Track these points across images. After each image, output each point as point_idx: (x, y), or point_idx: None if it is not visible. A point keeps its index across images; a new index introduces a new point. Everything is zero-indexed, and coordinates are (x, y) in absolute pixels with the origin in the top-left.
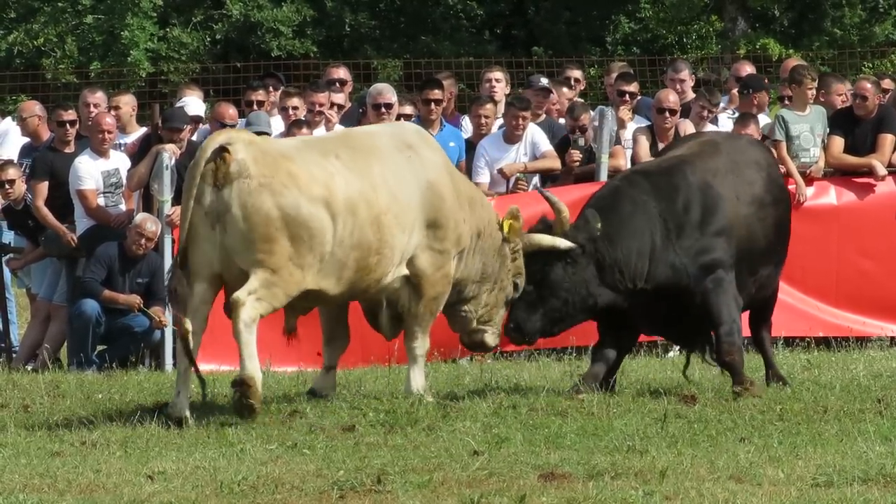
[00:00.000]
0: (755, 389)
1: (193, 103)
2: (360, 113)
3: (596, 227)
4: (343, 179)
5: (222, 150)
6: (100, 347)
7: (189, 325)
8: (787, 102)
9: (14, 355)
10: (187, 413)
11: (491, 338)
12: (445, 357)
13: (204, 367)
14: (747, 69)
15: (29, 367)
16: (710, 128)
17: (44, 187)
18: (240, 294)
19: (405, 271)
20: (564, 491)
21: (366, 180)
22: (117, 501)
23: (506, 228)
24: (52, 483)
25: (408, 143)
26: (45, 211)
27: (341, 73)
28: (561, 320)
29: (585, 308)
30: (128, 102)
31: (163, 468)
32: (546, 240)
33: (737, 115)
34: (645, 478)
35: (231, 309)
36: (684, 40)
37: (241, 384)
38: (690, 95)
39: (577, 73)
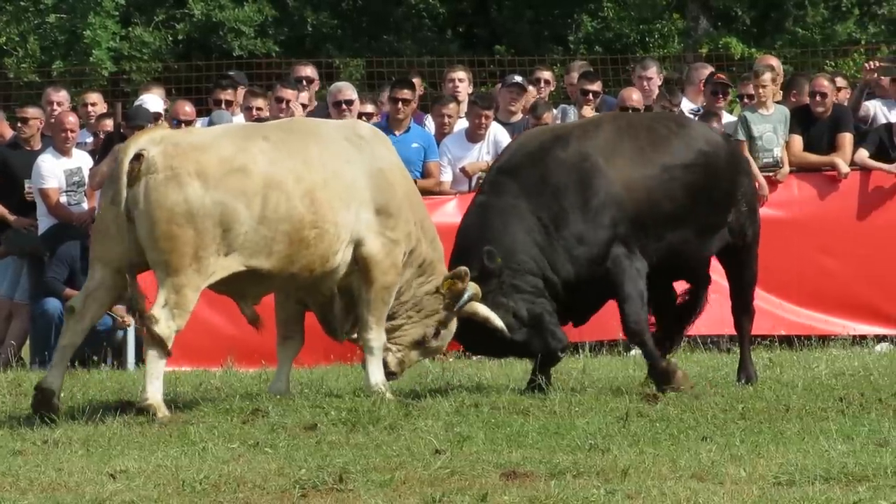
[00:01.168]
0: (678, 380)
1: (153, 101)
2: (326, 112)
3: (496, 262)
4: (267, 158)
5: (138, 153)
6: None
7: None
8: (745, 101)
9: None
10: (57, 389)
11: (393, 361)
12: None
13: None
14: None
15: None
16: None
17: None
18: (153, 311)
19: (351, 255)
20: (526, 490)
21: (297, 157)
22: (79, 500)
23: (444, 285)
24: (14, 482)
25: (359, 134)
26: None
27: (308, 71)
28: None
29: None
30: (36, 116)
31: (125, 467)
32: (482, 310)
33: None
34: (607, 476)
35: (146, 326)
36: (647, 39)
37: (146, 411)
38: (678, 96)
39: (546, 75)
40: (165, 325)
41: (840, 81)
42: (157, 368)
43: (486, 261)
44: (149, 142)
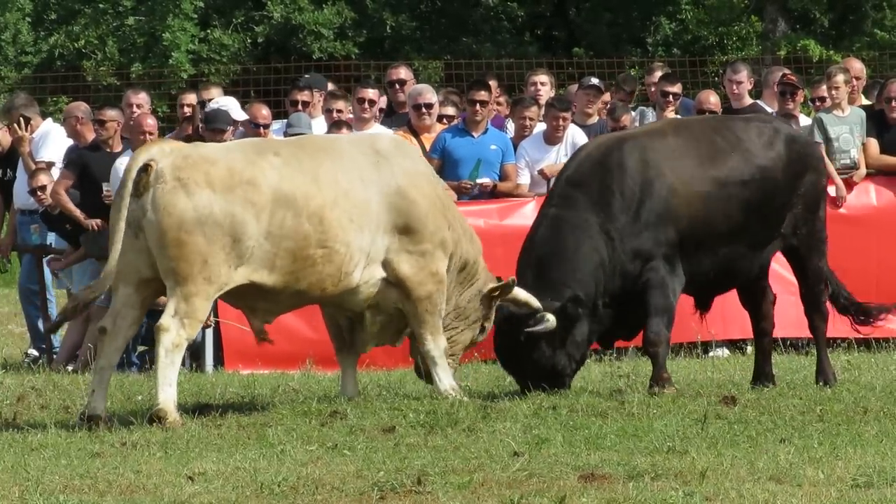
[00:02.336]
0: (671, 389)
1: (233, 106)
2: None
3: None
4: (276, 174)
5: (147, 164)
6: (140, 348)
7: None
8: (818, 104)
9: (55, 356)
10: (102, 412)
11: (444, 375)
12: (485, 357)
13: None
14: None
15: (69, 369)
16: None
17: (67, 178)
18: (163, 321)
19: (381, 274)
20: (604, 492)
21: (307, 175)
22: (157, 502)
23: (493, 294)
24: (92, 484)
25: (376, 150)
26: (63, 197)
27: (402, 73)
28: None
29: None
30: (114, 118)
31: (203, 469)
32: (522, 294)
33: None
34: (685, 479)
35: (155, 335)
36: (725, 41)
37: (158, 419)
38: (747, 99)
39: (542, 78)
40: (176, 335)
41: None
42: (170, 375)
43: (569, 306)
44: (158, 153)
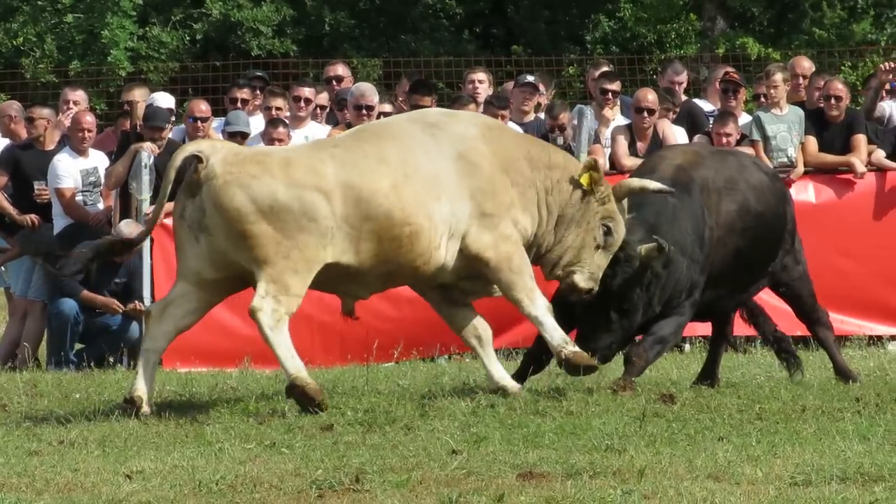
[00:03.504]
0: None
1: (164, 99)
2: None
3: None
4: (338, 162)
5: (196, 160)
6: (78, 346)
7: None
8: (762, 100)
9: None
10: (144, 395)
11: (580, 278)
12: (423, 356)
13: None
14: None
15: (7, 367)
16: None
17: (1, 177)
18: (254, 302)
19: (457, 247)
20: (543, 490)
21: (370, 158)
22: (95, 501)
23: (584, 181)
24: (29, 482)
25: (430, 122)
26: None
27: (339, 69)
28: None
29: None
30: (45, 116)
31: (141, 467)
32: (635, 182)
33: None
34: (623, 477)
35: (252, 318)
36: (663, 39)
37: (293, 388)
38: (682, 98)
39: (480, 76)
40: (272, 311)
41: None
42: (286, 348)
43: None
44: (209, 149)
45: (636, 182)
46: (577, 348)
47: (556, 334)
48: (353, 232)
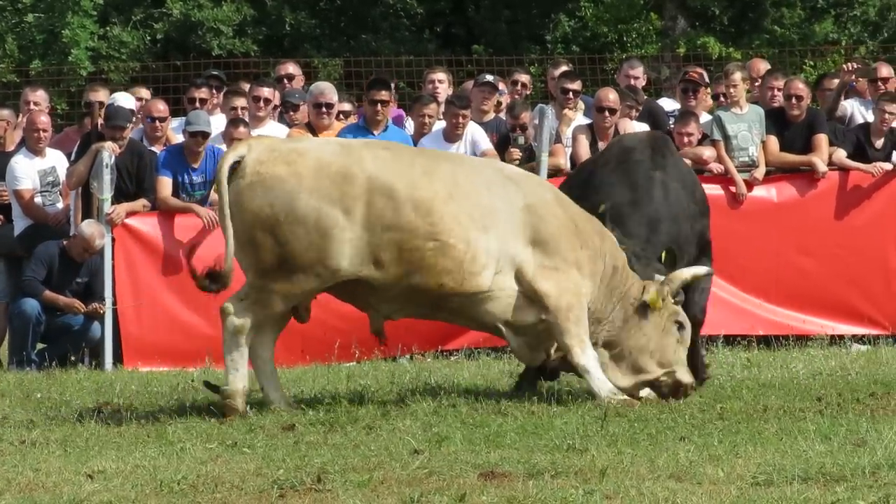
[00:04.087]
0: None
1: (125, 99)
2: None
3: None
4: (379, 163)
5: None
6: (40, 346)
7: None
8: (721, 101)
9: None
10: (280, 402)
11: (682, 374)
12: (385, 355)
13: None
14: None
15: None
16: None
17: None
18: (228, 303)
19: (515, 286)
20: (505, 490)
21: (416, 168)
22: (57, 500)
23: (654, 304)
24: None
25: (508, 175)
26: None
27: (290, 69)
28: None
29: None
30: (5, 117)
31: (102, 467)
32: (686, 273)
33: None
34: (585, 476)
35: (221, 315)
36: (624, 39)
37: (222, 400)
38: (642, 95)
39: (524, 78)
40: (239, 316)
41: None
42: (237, 360)
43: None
44: (245, 149)
45: (686, 273)
46: (623, 396)
47: (604, 386)
48: (373, 240)
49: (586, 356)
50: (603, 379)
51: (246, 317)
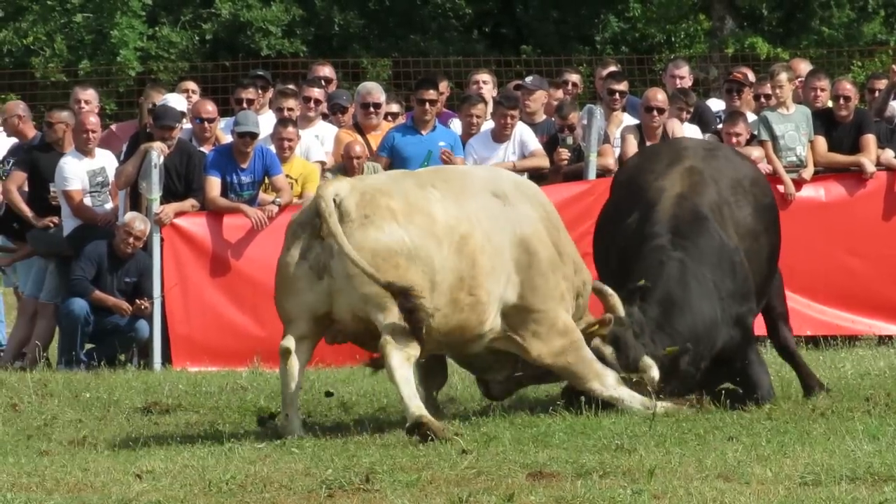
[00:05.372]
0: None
1: (176, 100)
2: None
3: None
4: (442, 207)
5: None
6: (88, 346)
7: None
8: (762, 101)
9: (1, 354)
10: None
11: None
12: None
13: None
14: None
15: (17, 366)
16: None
17: (19, 176)
18: (383, 341)
19: (504, 327)
20: (553, 490)
21: (462, 213)
22: (105, 500)
23: (589, 330)
24: (40, 482)
25: (504, 193)
26: (15, 195)
27: (326, 71)
28: None
29: None
30: (63, 120)
31: (151, 467)
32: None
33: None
34: (633, 476)
35: (381, 353)
36: (673, 39)
37: (416, 428)
38: (692, 97)
39: (574, 77)
40: (403, 352)
41: (882, 83)
42: (407, 387)
43: (682, 359)
44: (336, 191)
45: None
46: (664, 403)
47: (635, 403)
48: (441, 283)
49: (607, 387)
50: (633, 396)
51: (405, 348)
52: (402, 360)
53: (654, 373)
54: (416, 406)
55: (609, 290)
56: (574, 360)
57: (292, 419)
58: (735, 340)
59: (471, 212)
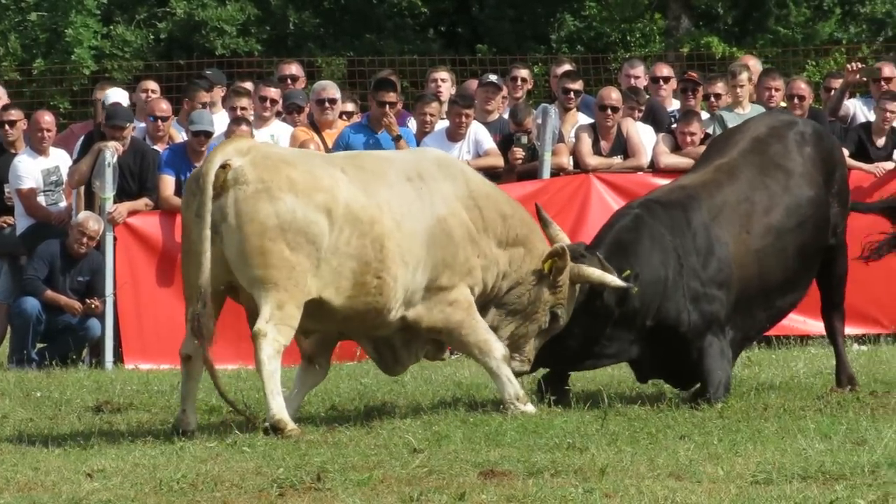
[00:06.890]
0: None
1: (118, 95)
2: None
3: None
4: (347, 190)
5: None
6: (40, 345)
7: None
8: (712, 101)
9: None
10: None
11: (517, 365)
12: None
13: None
14: (663, 70)
15: None
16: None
17: None
18: (259, 325)
19: (406, 312)
20: (504, 488)
21: (371, 199)
22: (56, 500)
23: (546, 266)
24: None
25: (419, 173)
26: None
27: (293, 69)
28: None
29: (590, 352)
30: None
31: (102, 466)
32: (595, 274)
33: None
34: (585, 475)
35: (253, 341)
36: (628, 38)
37: (274, 430)
38: (643, 95)
39: (523, 73)
40: (273, 339)
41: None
42: (275, 384)
43: (631, 294)
44: (235, 152)
45: (596, 274)
46: (527, 408)
47: (507, 390)
48: (337, 267)
49: (491, 361)
50: (508, 383)
51: (278, 337)
52: (272, 353)
53: (618, 282)
54: (276, 406)
55: (549, 220)
56: (468, 329)
57: (189, 413)
58: (692, 318)
59: (381, 199)
